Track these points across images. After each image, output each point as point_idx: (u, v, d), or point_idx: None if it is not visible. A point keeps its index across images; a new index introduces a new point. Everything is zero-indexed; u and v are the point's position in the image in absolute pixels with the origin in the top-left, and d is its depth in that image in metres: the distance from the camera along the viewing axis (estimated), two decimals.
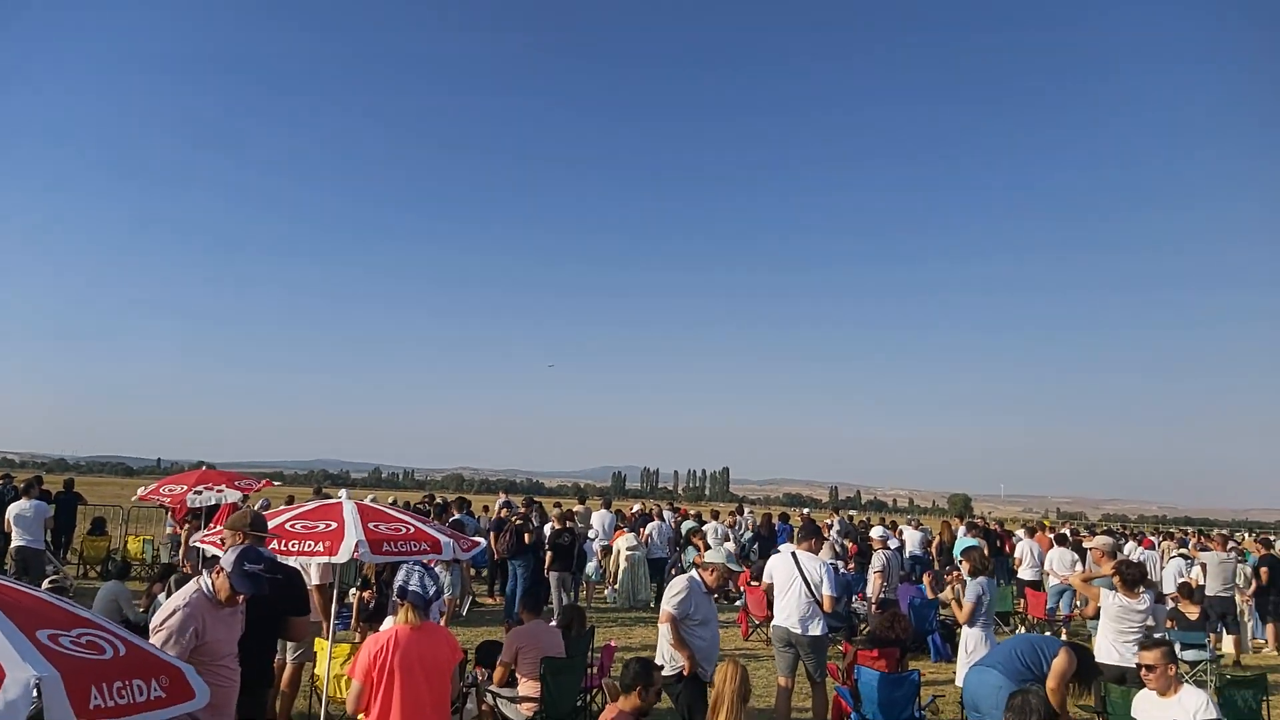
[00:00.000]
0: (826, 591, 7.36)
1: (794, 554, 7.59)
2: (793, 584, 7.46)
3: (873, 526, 17.28)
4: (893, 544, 14.02)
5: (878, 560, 11.58)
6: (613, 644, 8.23)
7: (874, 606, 11.12)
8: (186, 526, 13.96)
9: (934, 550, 17.40)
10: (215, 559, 4.53)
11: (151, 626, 4.16)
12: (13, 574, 11.03)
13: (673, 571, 10.98)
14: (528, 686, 6.59)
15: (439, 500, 19.56)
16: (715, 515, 20.34)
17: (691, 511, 26.28)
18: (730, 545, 18.75)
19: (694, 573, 6.58)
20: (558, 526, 13.38)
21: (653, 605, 15.20)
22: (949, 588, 10.22)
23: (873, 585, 11.61)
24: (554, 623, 8.79)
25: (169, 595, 4.63)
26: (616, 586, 15.88)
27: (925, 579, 12.36)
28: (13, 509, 12.29)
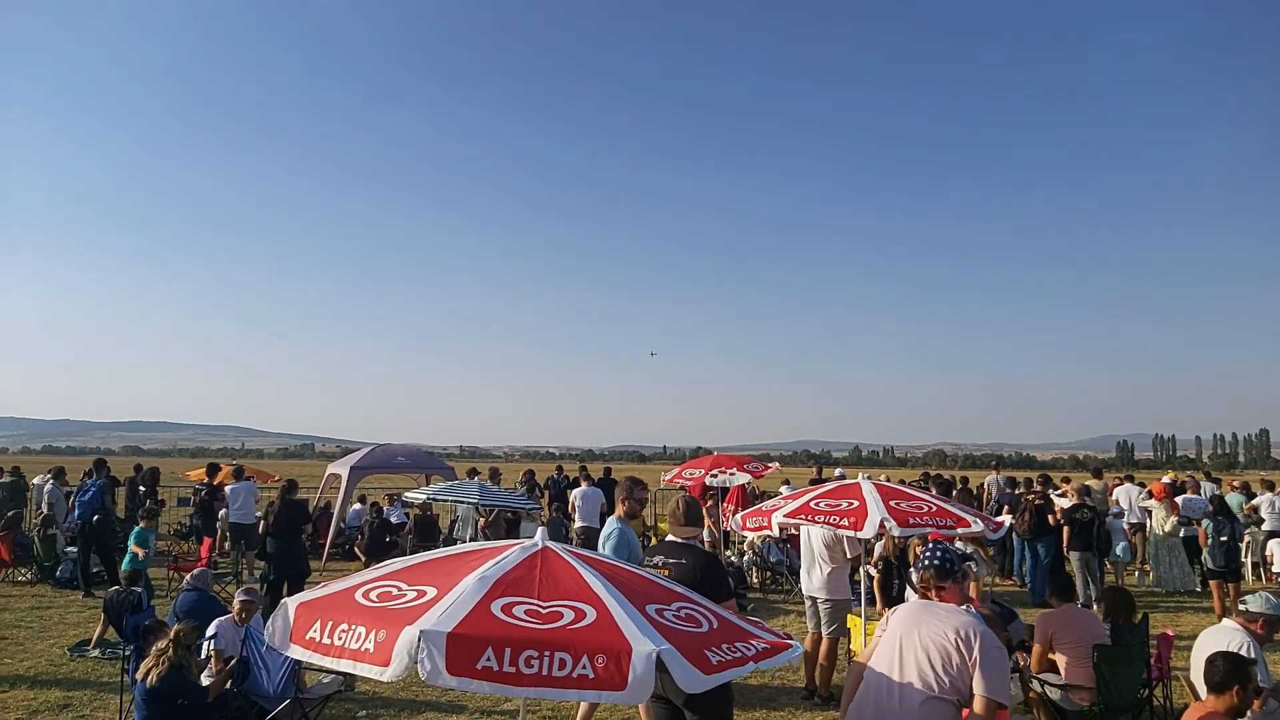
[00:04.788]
0: None
1: None
2: None
3: None
4: None
5: None
6: (1169, 633, 7.28)
7: None
8: (705, 505, 15.51)
9: None
10: None
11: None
12: None
13: (1208, 549, 9.40)
14: (1074, 674, 6.14)
15: (940, 476, 19.13)
16: (1269, 486, 16.84)
17: (1235, 483, 22.39)
18: None
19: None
20: (1074, 501, 12.25)
21: (1198, 590, 13.21)
22: None
23: None
24: (1089, 607, 8.07)
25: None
26: (1149, 569, 14.10)
27: None
28: (575, 494, 14.74)
